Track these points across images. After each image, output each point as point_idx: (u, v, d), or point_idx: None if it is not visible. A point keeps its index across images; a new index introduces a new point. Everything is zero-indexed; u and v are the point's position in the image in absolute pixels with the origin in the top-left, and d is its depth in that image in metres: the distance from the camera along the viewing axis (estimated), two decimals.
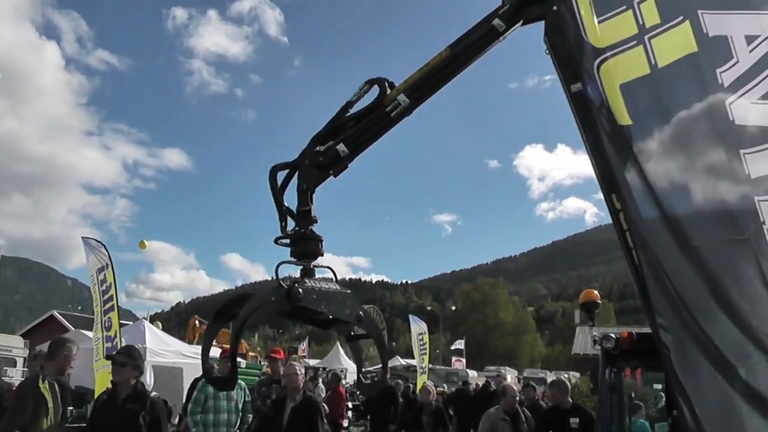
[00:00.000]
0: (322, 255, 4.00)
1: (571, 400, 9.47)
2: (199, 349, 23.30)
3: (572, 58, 3.78)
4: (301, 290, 3.64)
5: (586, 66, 3.67)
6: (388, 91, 4.17)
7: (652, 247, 3.33)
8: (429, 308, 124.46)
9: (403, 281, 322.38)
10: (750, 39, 3.52)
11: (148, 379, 18.62)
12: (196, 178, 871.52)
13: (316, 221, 4.02)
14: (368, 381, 4.88)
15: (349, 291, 3.91)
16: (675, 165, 3.45)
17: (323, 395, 18.47)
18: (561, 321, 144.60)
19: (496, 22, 4.01)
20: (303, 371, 8.57)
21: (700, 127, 3.46)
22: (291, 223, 4.06)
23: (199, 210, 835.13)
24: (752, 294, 3.20)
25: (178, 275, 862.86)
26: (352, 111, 4.26)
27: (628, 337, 5.96)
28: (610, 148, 3.52)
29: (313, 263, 3.97)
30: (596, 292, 7.39)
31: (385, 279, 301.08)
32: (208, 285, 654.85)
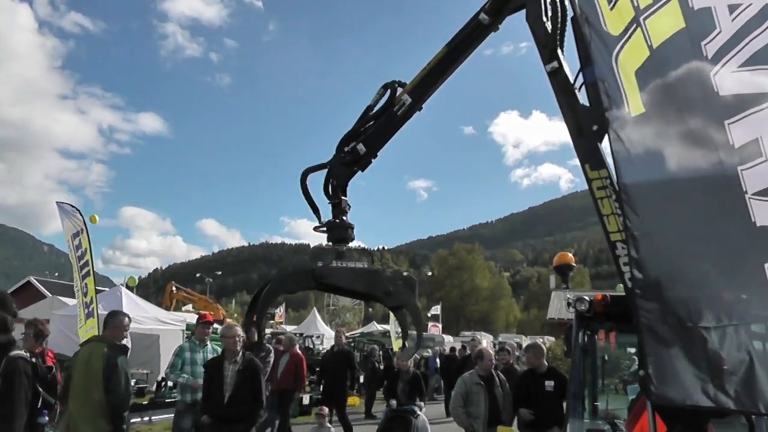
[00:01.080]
0: (353, 239, 4.70)
1: (546, 363, 9.51)
2: (176, 315, 23.30)
3: (550, 39, 4.26)
4: (325, 270, 4.33)
5: (603, 56, 3.64)
6: (398, 92, 4.78)
7: (631, 211, 3.32)
8: (405, 274, 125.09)
9: (380, 247, 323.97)
10: (732, 8, 3.53)
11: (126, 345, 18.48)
12: (172, 143, 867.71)
13: (347, 211, 4.75)
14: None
15: (378, 269, 4.73)
16: (656, 133, 3.47)
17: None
18: (536, 286, 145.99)
19: (482, 16, 4.52)
20: (242, 334, 8.45)
21: (685, 93, 3.48)
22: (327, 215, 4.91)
23: (175, 175, 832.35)
24: (728, 262, 3.24)
25: (154, 241, 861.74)
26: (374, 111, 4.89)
27: (601, 299, 5.94)
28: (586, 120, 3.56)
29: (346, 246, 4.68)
30: (570, 255, 7.34)
31: (362, 245, 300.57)
32: (184, 251, 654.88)
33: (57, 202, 14.56)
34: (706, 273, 3.22)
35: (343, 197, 4.83)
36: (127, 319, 7.54)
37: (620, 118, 3.47)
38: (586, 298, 5.92)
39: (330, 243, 4.70)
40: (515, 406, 9.51)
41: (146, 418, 14.95)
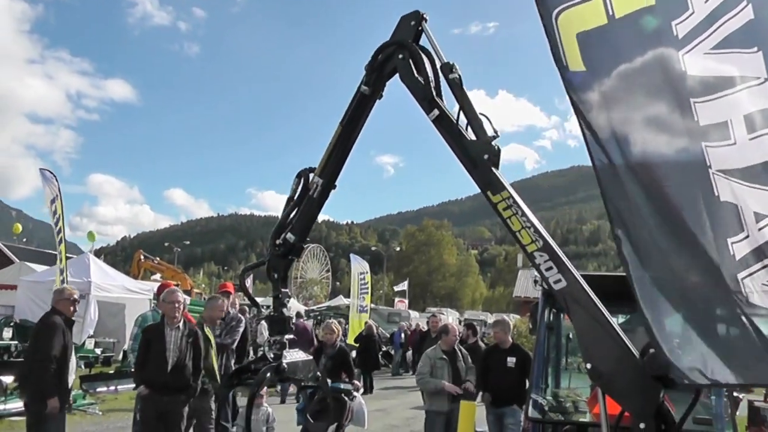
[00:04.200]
0: (291, 332, 5.20)
1: (510, 339, 9.58)
2: (144, 284, 23.13)
3: (427, 91, 4.52)
4: (285, 366, 4.95)
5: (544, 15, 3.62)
6: (311, 177, 5.15)
7: (606, 192, 3.39)
8: (374, 249, 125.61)
9: (349, 221, 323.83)
10: None
11: (92, 313, 18.35)
12: (141, 111, 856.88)
13: (286, 304, 5.17)
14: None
15: (311, 357, 5.43)
16: (622, 114, 3.47)
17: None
18: (503, 264, 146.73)
19: (363, 88, 4.88)
20: (184, 300, 8.47)
21: (651, 78, 3.45)
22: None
23: (143, 143, 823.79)
24: (694, 237, 3.26)
25: (122, 209, 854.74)
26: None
27: None
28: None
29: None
30: None
31: (330, 219, 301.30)
32: (152, 220, 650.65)
33: (40, 169, 14.78)
34: (676, 251, 3.30)
35: (283, 289, 5.22)
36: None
37: (586, 102, 3.46)
38: None
39: (272, 334, 5.22)
40: (479, 381, 9.59)
41: (112, 388, 14.87)
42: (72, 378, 8.28)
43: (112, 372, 16.53)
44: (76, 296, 8.32)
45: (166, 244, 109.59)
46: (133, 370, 9.17)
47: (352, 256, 27.51)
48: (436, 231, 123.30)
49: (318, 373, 5.60)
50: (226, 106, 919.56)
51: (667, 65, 3.43)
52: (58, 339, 7.82)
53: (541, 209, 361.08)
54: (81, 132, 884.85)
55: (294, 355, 5.22)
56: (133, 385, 8.71)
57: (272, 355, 5.08)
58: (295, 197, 5.25)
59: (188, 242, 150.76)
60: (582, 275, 4.54)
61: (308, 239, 5.41)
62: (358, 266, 24.93)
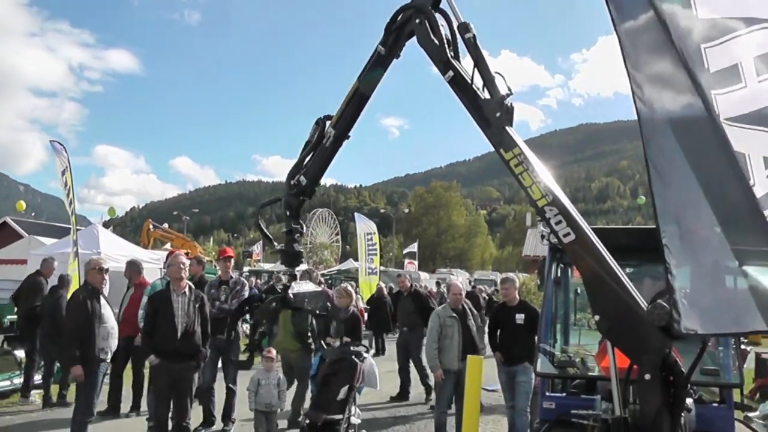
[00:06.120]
0: (301, 263, 5.67)
1: (518, 297, 9.59)
2: (154, 253, 23.17)
3: (442, 53, 4.73)
4: (292, 296, 5.38)
5: None
6: (327, 125, 5.39)
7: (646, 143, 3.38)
8: (382, 211, 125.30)
9: (357, 185, 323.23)
10: None
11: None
12: (144, 81, 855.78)
13: (297, 239, 5.61)
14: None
15: (321, 289, 6.04)
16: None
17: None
18: (512, 224, 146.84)
19: (380, 48, 5.13)
20: (188, 264, 8.54)
21: (655, 35, 3.42)
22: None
23: (147, 113, 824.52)
24: (716, 190, 3.29)
25: (129, 179, 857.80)
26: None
27: None
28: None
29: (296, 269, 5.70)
30: None
31: (338, 182, 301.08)
32: (159, 189, 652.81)
33: (50, 141, 14.66)
34: (702, 204, 3.28)
35: (294, 225, 5.60)
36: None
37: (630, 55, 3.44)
38: None
39: (283, 265, 5.72)
40: (490, 338, 9.65)
41: None
42: (114, 341, 8.53)
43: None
44: (102, 266, 8.62)
45: (175, 213, 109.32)
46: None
47: (356, 215, 27.13)
48: (445, 192, 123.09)
49: (328, 304, 6.16)
50: (228, 73, 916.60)
51: (672, 21, 3.38)
52: (81, 311, 8.10)
53: (550, 168, 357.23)
54: (85, 104, 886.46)
55: (303, 287, 5.62)
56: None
57: (281, 287, 5.53)
58: (312, 142, 5.49)
59: (197, 210, 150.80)
60: (596, 229, 4.56)
61: (319, 184, 5.70)
62: (365, 226, 24.61)
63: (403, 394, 13.09)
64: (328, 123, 5.42)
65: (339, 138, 5.39)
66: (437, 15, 4.94)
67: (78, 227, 15.37)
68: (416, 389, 13.03)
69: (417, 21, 4.92)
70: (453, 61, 4.76)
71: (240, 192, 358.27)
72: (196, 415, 8.40)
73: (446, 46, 4.81)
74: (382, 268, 32.42)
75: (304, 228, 5.94)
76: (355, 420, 8.68)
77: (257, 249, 58.86)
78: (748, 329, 3.41)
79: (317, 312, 6.58)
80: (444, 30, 4.88)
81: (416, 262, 61.36)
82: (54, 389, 11.40)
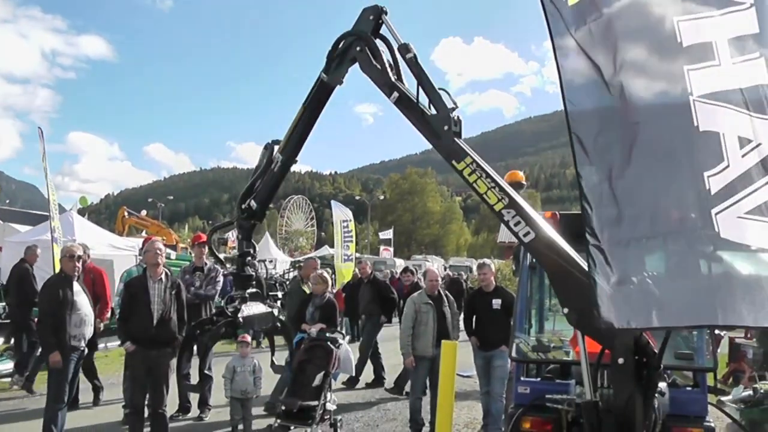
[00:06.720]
0: (252, 286, 5.73)
1: (494, 282, 9.64)
2: (129, 240, 22.94)
3: (385, 76, 4.88)
4: (241, 318, 5.50)
5: None
6: (275, 150, 5.56)
7: (576, 140, 3.41)
8: (358, 198, 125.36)
9: (332, 171, 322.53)
10: None
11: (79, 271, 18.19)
12: (117, 67, 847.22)
13: (249, 262, 5.77)
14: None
15: (270, 310, 5.87)
16: (601, 57, 3.42)
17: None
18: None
19: (323, 76, 5.26)
20: (164, 250, 8.51)
21: (629, 21, 3.43)
22: None
23: (121, 100, 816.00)
24: (668, 171, 3.23)
25: (103, 166, 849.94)
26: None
27: (551, 216, 5.97)
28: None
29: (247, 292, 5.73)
30: (521, 173, 7.31)
31: (313, 169, 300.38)
32: (134, 176, 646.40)
33: (39, 128, 14.51)
34: (648, 188, 3.23)
35: (246, 249, 5.79)
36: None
37: (562, 48, 3.45)
38: None
39: (236, 288, 5.79)
40: (465, 324, 9.69)
41: (102, 345, 14.86)
42: (88, 329, 8.48)
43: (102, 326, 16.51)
44: (73, 253, 8.42)
45: (150, 200, 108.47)
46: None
47: (333, 203, 27.01)
48: (420, 179, 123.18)
49: (278, 323, 6.21)
50: (200, 59, 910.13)
51: (645, 9, 3.40)
52: (53, 298, 8.06)
53: (525, 154, 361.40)
54: (58, 90, 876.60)
55: (252, 309, 5.70)
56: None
57: (231, 310, 5.57)
58: (261, 167, 5.64)
59: (172, 197, 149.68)
60: (562, 213, 4.61)
61: (270, 206, 6.11)
62: (340, 213, 24.51)
63: (378, 380, 13.17)
64: (276, 147, 5.58)
65: (287, 162, 5.56)
66: (377, 41, 5.07)
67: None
68: (390, 376, 13.01)
69: (358, 48, 5.08)
70: (397, 83, 4.90)
71: (215, 179, 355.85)
72: (171, 401, 8.35)
73: (389, 69, 4.95)
74: (358, 254, 32.39)
75: (257, 250, 6.10)
76: (330, 406, 8.71)
77: (232, 236, 58.57)
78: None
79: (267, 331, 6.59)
80: (385, 54, 5.01)
81: (392, 249, 61.48)
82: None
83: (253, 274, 5.84)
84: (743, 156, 3.11)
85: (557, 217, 6.00)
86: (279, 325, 6.25)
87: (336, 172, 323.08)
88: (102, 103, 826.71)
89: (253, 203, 5.61)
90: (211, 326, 5.75)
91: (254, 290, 5.72)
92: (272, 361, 6.53)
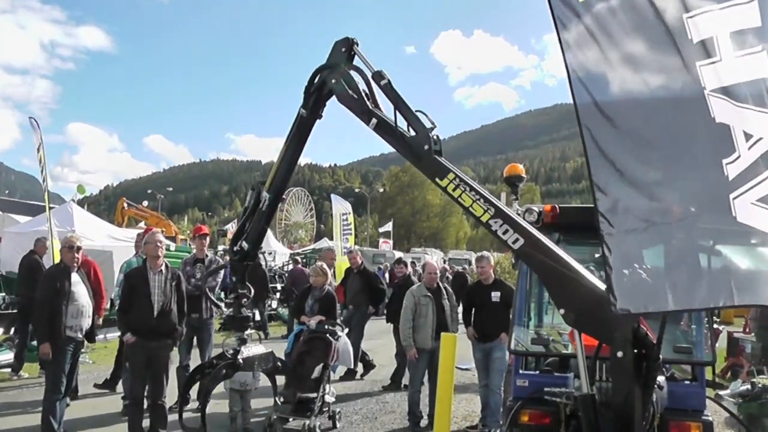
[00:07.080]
0: (250, 327, 5.87)
1: (493, 275, 9.63)
2: (129, 231, 22.96)
3: (363, 105, 5.00)
4: (241, 360, 5.67)
5: None
6: (262, 190, 5.68)
7: (587, 132, 3.42)
8: (357, 190, 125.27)
9: (331, 164, 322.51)
10: None
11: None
12: (116, 58, 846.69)
13: (244, 304, 5.84)
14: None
15: (270, 351, 6.13)
16: (599, 54, 3.46)
17: None
18: None
19: (302, 111, 5.41)
20: (165, 242, 8.50)
21: (630, 16, 3.45)
22: None
23: (120, 91, 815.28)
24: (686, 158, 3.28)
25: (102, 157, 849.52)
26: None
27: (551, 210, 5.97)
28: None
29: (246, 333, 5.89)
30: (521, 167, 7.28)
31: (313, 161, 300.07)
32: (133, 167, 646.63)
33: (29, 118, 14.54)
34: (662, 176, 3.30)
35: (241, 291, 5.85)
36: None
37: (568, 41, 3.48)
38: (535, 208, 5.89)
39: (233, 330, 5.90)
40: (464, 317, 9.69)
41: (101, 336, 14.87)
42: (86, 320, 8.36)
43: (100, 320, 16.52)
44: (72, 244, 8.37)
45: (149, 191, 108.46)
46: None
47: (332, 196, 27.19)
48: (419, 172, 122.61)
49: (278, 364, 6.41)
50: (201, 51, 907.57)
51: (650, 3, 3.40)
52: (50, 287, 8.02)
53: (524, 147, 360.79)
54: (57, 81, 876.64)
55: (251, 350, 5.85)
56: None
57: (230, 352, 5.70)
58: (250, 207, 5.78)
59: (171, 189, 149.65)
60: (562, 206, 4.62)
61: (262, 249, 6.09)
62: (340, 207, 24.64)
63: (367, 366, 13.26)
64: (263, 187, 5.71)
65: (275, 200, 5.71)
66: (351, 72, 5.18)
67: (52, 205, 15.23)
68: (384, 371, 13.00)
69: (333, 81, 5.22)
70: (374, 110, 5.01)
71: (214, 170, 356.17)
72: (171, 393, 8.35)
73: (365, 97, 5.05)
74: (357, 247, 32.45)
75: (252, 291, 5.99)
76: (329, 398, 8.72)
77: (231, 228, 58.57)
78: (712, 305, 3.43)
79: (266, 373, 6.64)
80: (361, 84, 5.11)
81: (391, 242, 61.47)
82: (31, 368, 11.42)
83: (250, 315, 5.92)
84: (749, 148, 3.17)
85: (557, 210, 6.01)
86: (279, 365, 6.45)
87: (336, 165, 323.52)
88: (101, 94, 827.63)
89: (244, 244, 5.71)
90: (211, 369, 5.83)
91: (245, 291, 5.89)
92: (275, 401, 7.17)
